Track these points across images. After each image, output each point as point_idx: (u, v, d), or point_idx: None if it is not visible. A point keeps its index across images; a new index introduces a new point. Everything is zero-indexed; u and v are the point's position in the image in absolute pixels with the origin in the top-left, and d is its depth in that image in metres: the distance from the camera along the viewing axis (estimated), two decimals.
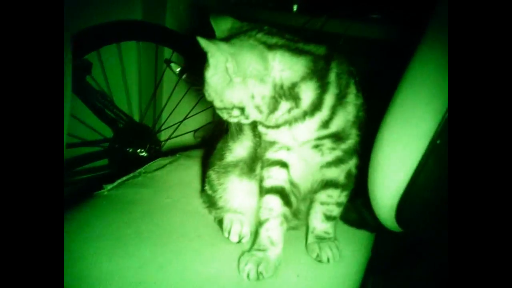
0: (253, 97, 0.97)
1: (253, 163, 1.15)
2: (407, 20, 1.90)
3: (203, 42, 0.90)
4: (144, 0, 2.41)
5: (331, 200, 1.09)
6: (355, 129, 1.04)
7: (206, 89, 1.00)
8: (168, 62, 2.47)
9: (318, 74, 0.98)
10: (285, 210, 1.08)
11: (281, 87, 0.97)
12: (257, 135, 1.13)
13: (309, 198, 1.14)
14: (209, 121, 2.51)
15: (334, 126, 1.01)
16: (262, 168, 1.11)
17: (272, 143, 1.07)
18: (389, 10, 2.05)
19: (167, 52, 2.45)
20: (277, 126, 1.03)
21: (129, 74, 2.42)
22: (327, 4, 2.18)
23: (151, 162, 1.57)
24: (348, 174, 1.08)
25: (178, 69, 2.48)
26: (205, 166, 1.33)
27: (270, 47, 0.96)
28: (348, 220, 1.22)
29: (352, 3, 2.12)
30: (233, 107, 0.98)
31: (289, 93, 0.97)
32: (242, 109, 0.98)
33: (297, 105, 0.99)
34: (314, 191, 1.11)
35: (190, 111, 2.45)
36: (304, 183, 1.11)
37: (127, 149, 2.27)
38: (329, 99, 0.99)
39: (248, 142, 1.17)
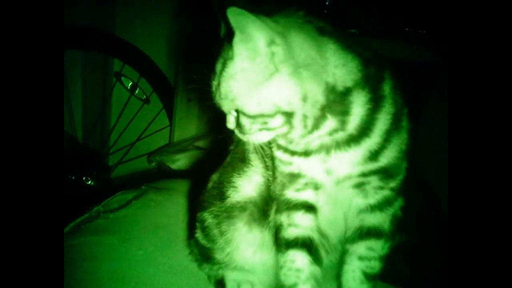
0: (305, 99, 0.69)
1: (267, 206, 0.87)
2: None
3: (236, 17, 0.62)
4: (89, 3, 2.07)
5: (373, 254, 0.83)
6: (405, 161, 0.80)
7: (226, 89, 0.71)
8: (118, 75, 2.15)
9: (371, 83, 0.73)
10: (315, 270, 0.81)
11: (333, 90, 0.71)
12: (269, 166, 0.86)
13: (339, 249, 0.88)
14: (166, 143, 2.21)
15: (385, 159, 0.76)
16: (278, 211, 0.84)
17: (295, 177, 0.80)
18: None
19: (118, 64, 2.13)
20: (307, 153, 0.77)
21: (72, 88, 2.06)
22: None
23: (112, 197, 1.24)
24: (394, 219, 0.83)
25: (130, 84, 2.19)
26: (192, 203, 1.04)
27: (321, 30, 0.71)
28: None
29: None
30: (276, 112, 0.70)
31: (340, 101, 0.72)
32: (289, 116, 0.70)
33: (342, 126, 0.73)
34: (347, 240, 0.85)
35: (144, 131, 2.15)
36: (335, 231, 0.85)
37: (69, 177, 1.91)
38: (382, 121, 0.74)
39: (258, 177, 0.89)
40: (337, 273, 0.87)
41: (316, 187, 0.80)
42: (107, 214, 1.12)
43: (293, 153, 0.78)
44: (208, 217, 0.91)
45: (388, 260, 0.97)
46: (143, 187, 1.30)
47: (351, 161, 0.75)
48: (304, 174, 0.79)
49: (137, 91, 2.20)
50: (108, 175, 2.06)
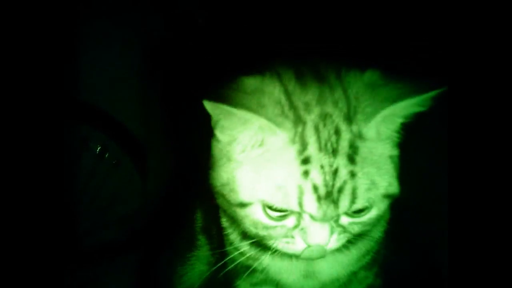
0: None
1: None
2: None
3: None
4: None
5: None
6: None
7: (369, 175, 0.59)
8: (84, 141, 2.06)
9: None
10: None
11: None
12: (215, 248, 0.74)
13: None
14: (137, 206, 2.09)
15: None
16: None
17: (252, 271, 0.68)
18: None
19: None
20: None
21: None
22: None
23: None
24: None
25: (98, 148, 2.08)
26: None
27: None
28: None
29: None
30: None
31: None
32: None
33: None
34: None
35: (115, 196, 2.02)
36: None
37: None
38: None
39: (201, 265, 0.77)
40: None
41: (278, 285, 0.69)
42: None
43: (266, 248, 0.64)
44: None
45: None
46: (102, 263, 1.18)
47: (342, 264, 0.66)
48: (267, 272, 0.67)
49: (107, 155, 2.11)
50: (78, 249, 1.92)
